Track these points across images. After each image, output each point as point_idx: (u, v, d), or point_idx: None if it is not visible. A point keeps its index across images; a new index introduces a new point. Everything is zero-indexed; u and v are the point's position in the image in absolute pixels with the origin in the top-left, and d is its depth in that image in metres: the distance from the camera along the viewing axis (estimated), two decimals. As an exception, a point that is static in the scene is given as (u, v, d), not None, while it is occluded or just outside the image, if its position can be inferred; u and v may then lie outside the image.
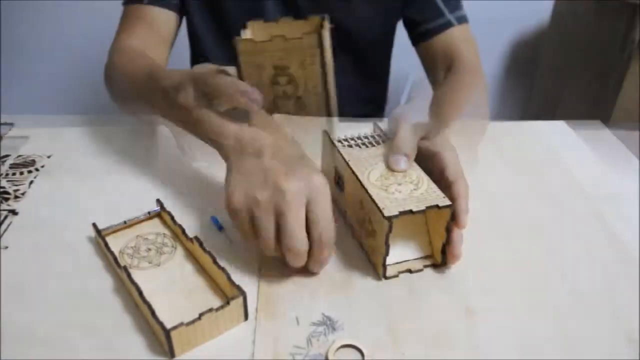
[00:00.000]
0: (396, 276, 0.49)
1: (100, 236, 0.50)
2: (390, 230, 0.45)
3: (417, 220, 0.51)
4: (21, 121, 0.76)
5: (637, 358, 0.42)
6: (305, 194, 0.44)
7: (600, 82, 1.48)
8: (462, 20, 0.85)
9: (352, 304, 0.46)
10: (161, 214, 0.55)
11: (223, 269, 0.45)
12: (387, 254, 0.47)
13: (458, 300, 0.47)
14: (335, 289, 0.48)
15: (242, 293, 0.43)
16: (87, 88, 1.43)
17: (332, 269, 0.50)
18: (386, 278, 0.49)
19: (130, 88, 0.65)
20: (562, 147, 0.73)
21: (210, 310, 0.41)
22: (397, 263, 0.50)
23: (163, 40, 0.83)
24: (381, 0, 0.85)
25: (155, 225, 0.54)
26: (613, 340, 0.44)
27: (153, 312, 0.41)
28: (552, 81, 1.73)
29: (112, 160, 0.67)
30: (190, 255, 0.50)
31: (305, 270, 0.48)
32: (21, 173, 0.64)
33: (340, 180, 0.54)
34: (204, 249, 0.47)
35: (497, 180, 0.65)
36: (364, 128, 0.59)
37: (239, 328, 0.44)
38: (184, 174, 0.64)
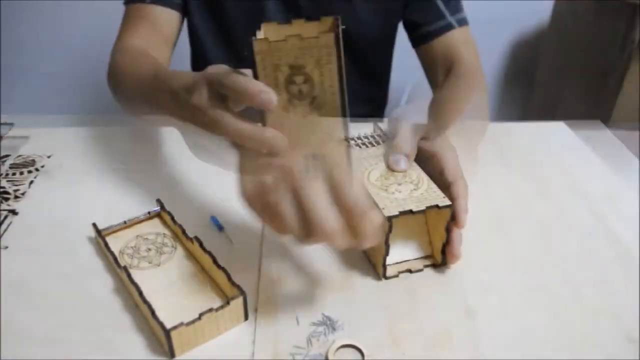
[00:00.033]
0: (396, 276, 0.49)
1: (100, 236, 0.50)
2: (390, 230, 0.45)
3: (417, 220, 0.51)
4: (21, 121, 0.76)
5: (637, 358, 0.42)
6: (316, 164, 0.40)
7: (600, 82, 1.48)
8: (463, 22, 0.85)
9: (352, 304, 0.46)
10: (161, 214, 0.55)
11: (223, 269, 0.45)
12: (387, 254, 0.47)
13: (458, 300, 0.47)
14: (335, 289, 0.48)
15: (242, 293, 0.43)
16: (87, 88, 1.43)
17: (332, 269, 0.50)
18: (386, 278, 0.49)
19: (135, 88, 0.65)
20: (562, 148, 0.73)
21: (210, 310, 0.41)
22: (397, 263, 0.50)
23: (166, 40, 0.82)
24: (382, 2, 0.85)
25: (155, 225, 0.54)
26: (613, 340, 0.44)
27: (153, 312, 0.41)
28: (552, 81, 1.73)
29: (112, 160, 0.67)
30: (190, 255, 0.50)
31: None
32: (21, 173, 0.64)
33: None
34: (204, 249, 0.47)
35: (496, 180, 0.65)
36: (364, 128, 0.59)
37: (239, 328, 0.44)
38: (184, 174, 0.64)
